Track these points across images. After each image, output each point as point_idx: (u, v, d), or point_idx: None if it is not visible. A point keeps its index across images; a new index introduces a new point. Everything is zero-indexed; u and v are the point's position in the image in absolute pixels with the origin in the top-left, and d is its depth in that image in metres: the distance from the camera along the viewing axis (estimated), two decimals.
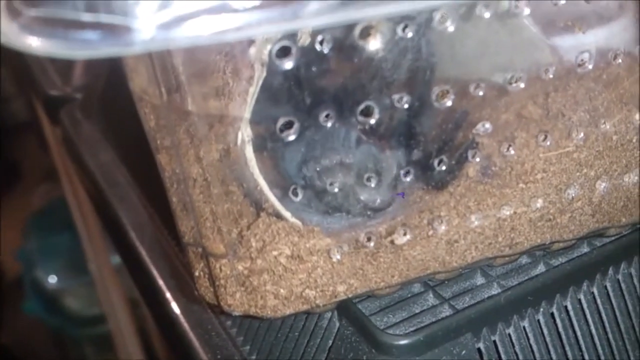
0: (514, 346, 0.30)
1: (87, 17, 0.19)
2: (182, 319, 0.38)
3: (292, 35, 0.25)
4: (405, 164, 0.28)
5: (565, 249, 0.32)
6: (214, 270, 0.28)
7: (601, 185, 0.30)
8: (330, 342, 0.31)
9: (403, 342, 0.28)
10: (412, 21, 0.25)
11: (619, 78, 0.28)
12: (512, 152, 0.28)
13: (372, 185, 0.28)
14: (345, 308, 0.30)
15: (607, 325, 0.32)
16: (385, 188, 0.28)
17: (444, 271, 0.30)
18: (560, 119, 0.28)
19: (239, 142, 0.27)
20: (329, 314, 0.31)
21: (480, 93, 0.27)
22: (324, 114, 0.26)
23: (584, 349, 0.31)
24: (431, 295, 0.31)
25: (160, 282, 0.42)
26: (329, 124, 0.26)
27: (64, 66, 0.66)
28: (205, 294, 0.30)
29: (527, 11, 0.26)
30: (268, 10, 0.20)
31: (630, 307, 0.32)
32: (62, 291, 1.04)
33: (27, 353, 1.09)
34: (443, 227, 0.28)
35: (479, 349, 0.29)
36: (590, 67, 0.28)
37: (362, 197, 0.28)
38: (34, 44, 0.20)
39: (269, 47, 0.25)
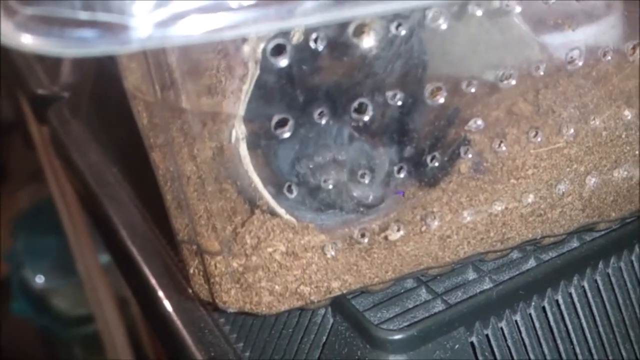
0: (506, 340, 0.30)
1: (83, 15, 0.20)
2: (174, 317, 0.38)
3: (286, 33, 0.25)
4: (398, 161, 0.28)
5: (556, 244, 0.32)
6: (208, 267, 0.28)
7: (591, 181, 0.30)
8: (325, 338, 0.31)
9: (397, 336, 0.28)
10: (406, 19, 0.25)
11: (607, 75, 0.29)
12: (504, 148, 0.29)
13: (366, 181, 0.28)
14: (339, 304, 0.31)
15: (597, 318, 0.32)
16: (378, 185, 0.28)
17: (436, 266, 0.30)
18: (550, 115, 0.29)
19: (233, 139, 0.27)
20: (322, 310, 0.31)
21: (472, 90, 0.27)
22: (318, 111, 0.26)
23: (575, 342, 0.31)
24: (424, 290, 0.31)
25: (153, 281, 0.41)
26: (323, 121, 0.26)
27: (52, 65, 0.65)
28: (199, 291, 0.30)
29: (518, 9, 0.26)
30: (264, 9, 0.20)
31: (621, 301, 0.33)
32: (49, 291, 1.03)
33: (15, 353, 1.09)
34: (436, 223, 0.29)
35: (472, 343, 0.30)
36: (580, 64, 0.28)
37: (355, 194, 0.29)
38: (31, 42, 0.20)
39: (262, 45, 0.25)
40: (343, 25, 0.25)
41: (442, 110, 0.28)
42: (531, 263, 0.32)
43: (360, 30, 0.25)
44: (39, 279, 1.04)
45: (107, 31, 0.20)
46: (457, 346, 0.29)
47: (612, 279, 0.33)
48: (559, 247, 0.33)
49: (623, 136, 0.30)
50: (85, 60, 0.62)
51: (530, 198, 0.29)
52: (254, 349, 0.34)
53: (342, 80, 0.26)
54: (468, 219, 0.29)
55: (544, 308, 0.31)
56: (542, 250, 0.33)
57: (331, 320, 0.31)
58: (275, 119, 0.26)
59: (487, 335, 0.30)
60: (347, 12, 0.21)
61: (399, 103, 0.27)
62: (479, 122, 0.28)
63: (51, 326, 1.05)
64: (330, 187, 0.28)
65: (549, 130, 0.29)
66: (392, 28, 0.25)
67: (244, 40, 0.25)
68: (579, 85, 0.29)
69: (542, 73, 0.28)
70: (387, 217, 0.29)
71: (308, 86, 0.26)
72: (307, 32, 0.25)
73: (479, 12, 0.26)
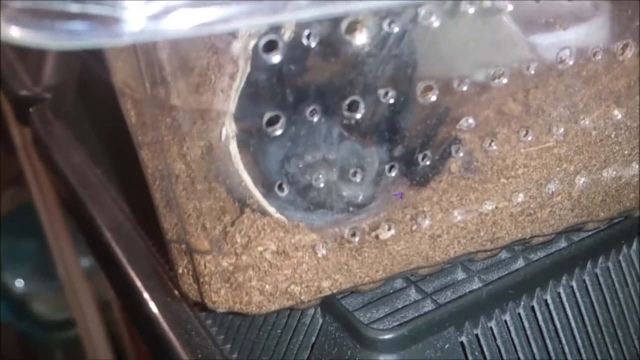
0: (495, 339, 0.30)
1: (74, 7, 0.19)
2: (160, 319, 0.38)
3: (278, 30, 0.24)
4: (389, 160, 0.28)
5: (545, 244, 0.33)
6: (198, 266, 0.28)
7: (580, 180, 0.30)
8: (314, 338, 0.31)
9: (387, 336, 0.28)
10: (398, 16, 0.25)
11: (597, 75, 0.29)
12: (494, 147, 0.29)
13: (356, 180, 0.28)
14: (329, 304, 0.30)
15: (586, 317, 0.32)
16: (368, 184, 0.28)
17: (427, 266, 0.30)
18: (540, 115, 0.29)
19: (223, 137, 0.26)
20: (312, 311, 0.31)
21: (464, 89, 0.27)
22: (310, 109, 0.26)
23: (563, 341, 0.32)
24: (413, 290, 0.31)
25: (138, 283, 0.41)
26: (315, 119, 0.26)
27: (34, 66, 0.65)
28: (188, 291, 0.30)
29: (509, 7, 0.26)
30: (257, 2, 0.20)
31: (609, 300, 0.33)
32: (29, 295, 1.02)
33: None
34: (426, 222, 0.29)
35: (461, 343, 0.30)
36: (571, 63, 0.28)
37: (344, 193, 0.28)
38: (21, 35, 0.19)
39: (253, 42, 0.25)
40: (336, 22, 0.25)
41: (433, 108, 0.27)
42: (520, 263, 0.32)
43: (352, 27, 0.25)
44: (19, 284, 1.02)
45: (99, 24, 0.19)
46: (447, 346, 0.29)
47: (601, 278, 0.33)
48: (547, 247, 0.33)
49: (612, 136, 0.30)
50: (68, 60, 0.61)
51: (520, 197, 0.29)
52: (241, 350, 0.34)
53: (334, 77, 0.26)
54: (458, 218, 0.29)
55: (533, 308, 0.31)
56: (531, 250, 0.33)
57: (320, 321, 0.31)
58: (267, 116, 0.26)
59: (476, 335, 0.30)
60: (340, 7, 0.21)
61: (391, 101, 0.27)
62: (470, 121, 0.28)
63: (31, 331, 1.03)
64: (321, 185, 0.28)
65: (539, 130, 0.29)
66: (385, 25, 0.25)
67: (235, 37, 0.25)
68: (568, 85, 0.29)
69: (532, 72, 0.28)
70: (377, 217, 0.28)
71: (300, 84, 0.26)
72: (299, 28, 0.24)
73: (471, 10, 0.26)
